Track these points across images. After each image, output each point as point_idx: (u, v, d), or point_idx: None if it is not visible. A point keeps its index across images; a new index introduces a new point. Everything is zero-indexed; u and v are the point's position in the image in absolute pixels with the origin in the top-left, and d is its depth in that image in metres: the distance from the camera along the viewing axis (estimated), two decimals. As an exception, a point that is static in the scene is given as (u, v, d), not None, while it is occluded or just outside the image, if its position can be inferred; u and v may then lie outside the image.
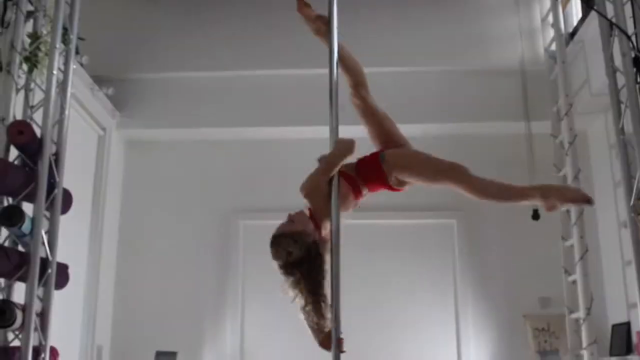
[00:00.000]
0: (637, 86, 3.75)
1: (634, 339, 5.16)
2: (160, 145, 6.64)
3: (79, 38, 4.50)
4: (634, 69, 3.77)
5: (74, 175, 4.56)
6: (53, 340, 3.77)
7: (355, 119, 5.46)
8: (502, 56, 6.29)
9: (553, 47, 5.99)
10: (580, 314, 5.21)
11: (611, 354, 5.47)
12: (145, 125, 6.43)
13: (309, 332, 2.81)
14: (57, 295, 3.84)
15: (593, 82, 5.45)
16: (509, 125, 6.17)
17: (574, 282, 5.37)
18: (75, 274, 4.36)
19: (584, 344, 5.11)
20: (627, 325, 5.31)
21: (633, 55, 3.77)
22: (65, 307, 4.86)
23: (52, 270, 3.76)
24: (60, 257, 3.87)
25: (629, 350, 5.21)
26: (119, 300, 6.21)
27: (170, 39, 6.44)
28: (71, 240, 4.96)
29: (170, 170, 6.58)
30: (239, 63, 6.35)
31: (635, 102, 3.72)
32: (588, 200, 2.80)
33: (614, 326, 5.57)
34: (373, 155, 3.05)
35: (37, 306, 3.65)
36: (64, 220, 3.95)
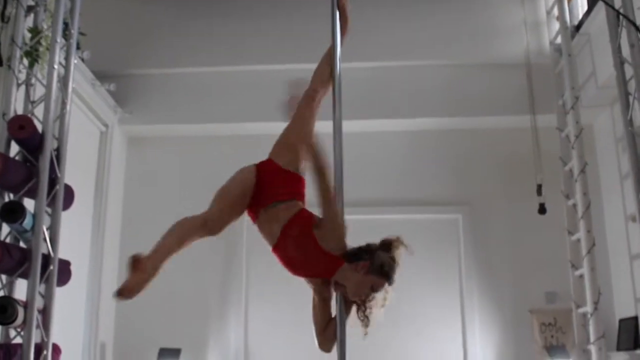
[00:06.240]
0: (646, 77, 3.71)
1: (642, 333, 5.13)
2: (162, 141, 6.60)
3: (80, 33, 4.47)
4: (643, 60, 3.72)
5: (76, 171, 4.54)
6: (55, 337, 3.75)
7: (358, 114, 5.46)
8: (508, 49, 6.24)
9: (558, 40, 5.94)
10: (588, 308, 5.16)
11: (619, 349, 5.44)
12: (147, 121, 6.39)
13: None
14: (59, 292, 3.82)
15: (599, 74, 5.42)
16: (515, 118, 6.12)
17: (581, 276, 5.32)
18: (78, 270, 4.34)
19: (592, 339, 5.06)
20: (635, 319, 5.26)
21: (641, 46, 3.73)
22: (68, 303, 4.85)
23: (54, 267, 3.73)
24: (62, 253, 3.85)
25: (636, 344, 5.17)
26: (123, 297, 6.17)
27: (173, 34, 6.40)
28: (73, 236, 4.94)
29: (172, 166, 6.54)
30: (242, 58, 6.31)
31: (643, 94, 3.68)
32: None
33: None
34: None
35: (39, 303, 3.62)
36: (65, 217, 3.93)
